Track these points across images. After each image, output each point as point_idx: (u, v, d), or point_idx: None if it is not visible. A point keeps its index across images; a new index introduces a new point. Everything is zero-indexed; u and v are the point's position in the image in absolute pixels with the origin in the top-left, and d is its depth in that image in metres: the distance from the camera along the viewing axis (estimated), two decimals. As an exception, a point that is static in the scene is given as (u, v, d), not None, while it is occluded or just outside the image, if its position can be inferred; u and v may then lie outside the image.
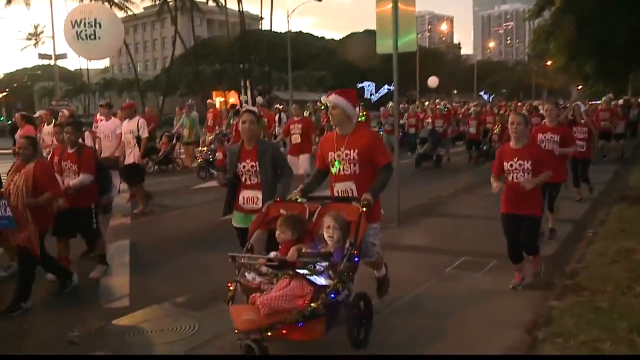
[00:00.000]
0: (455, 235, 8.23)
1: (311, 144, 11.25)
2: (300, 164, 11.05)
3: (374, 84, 65.34)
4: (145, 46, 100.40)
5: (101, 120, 11.43)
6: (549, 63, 44.20)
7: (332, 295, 4.06)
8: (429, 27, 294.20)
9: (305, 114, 22.14)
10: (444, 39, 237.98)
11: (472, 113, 19.61)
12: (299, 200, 4.90)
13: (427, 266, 6.64)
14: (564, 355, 3.88)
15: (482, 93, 77.98)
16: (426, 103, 26.85)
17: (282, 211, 4.78)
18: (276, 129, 21.63)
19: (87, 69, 66.66)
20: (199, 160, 15.41)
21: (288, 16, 43.28)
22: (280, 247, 4.57)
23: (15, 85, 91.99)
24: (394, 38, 8.61)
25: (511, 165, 5.61)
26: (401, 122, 20.44)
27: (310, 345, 4.37)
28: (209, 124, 18.13)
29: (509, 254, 5.80)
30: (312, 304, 3.96)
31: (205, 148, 15.64)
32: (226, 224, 9.67)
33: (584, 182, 10.33)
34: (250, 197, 5.33)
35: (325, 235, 4.45)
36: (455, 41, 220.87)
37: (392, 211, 9.05)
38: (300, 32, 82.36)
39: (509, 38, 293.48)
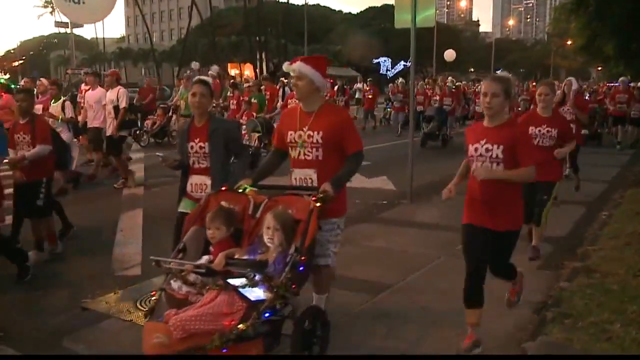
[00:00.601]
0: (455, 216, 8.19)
1: None
2: None
3: (390, 60, 64.75)
4: (161, 16, 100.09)
5: (87, 90, 11.20)
6: (569, 43, 43.54)
7: (267, 315, 3.33)
8: (448, 3, 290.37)
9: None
10: (462, 15, 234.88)
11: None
12: (248, 189, 4.08)
13: (439, 243, 6.64)
14: (571, 356, 3.86)
15: (499, 72, 77.18)
16: (438, 80, 26.27)
17: (223, 203, 4.02)
18: (279, 103, 21.73)
19: (103, 37, 66.54)
20: None
21: (305, -12, 42.80)
22: (212, 248, 3.86)
23: (31, 53, 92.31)
24: (412, 13, 8.50)
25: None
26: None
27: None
28: None
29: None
30: (239, 326, 3.21)
31: None
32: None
33: (573, 172, 9.60)
34: (198, 183, 4.59)
35: (265, 238, 3.68)
36: (474, 18, 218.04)
37: (405, 188, 9.06)
38: (318, 4, 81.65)
39: (528, 16, 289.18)
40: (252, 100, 13.17)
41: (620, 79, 16.99)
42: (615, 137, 16.37)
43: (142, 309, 4.77)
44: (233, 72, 60.73)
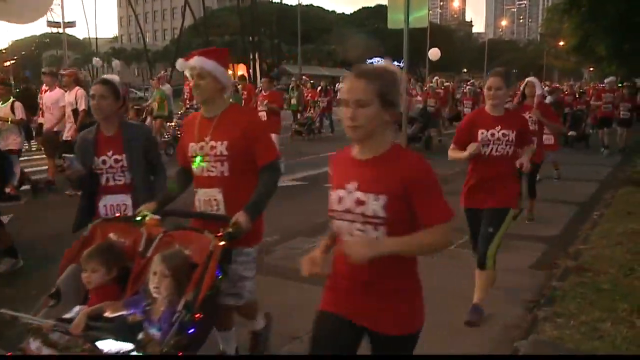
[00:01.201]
0: (459, 213, 8.21)
1: (280, 122, 10.59)
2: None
3: (383, 60, 64.85)
4: (154, 16, 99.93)
5: (46, 91, 10.40)
6: (561, 43, 43.75)
7: None
8: (441, 3, 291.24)
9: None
10: (455, 16, 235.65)
11: (468, 92, 18.12)
12: (147, 217, 3.24)
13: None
14: (563, 355, 3.89)
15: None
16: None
17: (111, 235, 3.27)
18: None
19: (96, 37, 66.39)
20: (166, 136, 14.40)
21: (299, -11, 42.85)
22: (90, 295, 3.08)
23: (23, 53, 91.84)
24: (405, 13, 8.53)
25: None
26: None
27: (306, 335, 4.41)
28: (185, 97, 16.88)
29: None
30: None
31: (173, 123, 14.76)
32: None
33: (530, 195, 7.66)
34: (116, 204, 3.75)
35: (151, 286, 2.82)
36: (467, 19, 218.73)
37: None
38: (311, 5, 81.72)
39: (521, 17, 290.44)
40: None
41: (608, 79, 16.32)
42: (601, 141, 15.04)
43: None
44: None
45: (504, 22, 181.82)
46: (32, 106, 15.22)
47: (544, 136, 9.67)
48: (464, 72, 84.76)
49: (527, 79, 7.70)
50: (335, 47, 69.20)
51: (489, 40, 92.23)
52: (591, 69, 53.11)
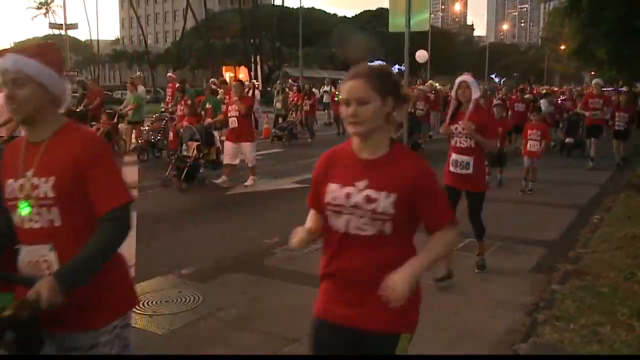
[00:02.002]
0: (460, 217, 8.20)
1: (252, 129, 10.46)
2: (246, 156, 10.41)
3: (384, 64, 64.92)
4: (156, 18, 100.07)
5: None
6: (562, 47, 43.78)
7: None
8: (443, 7, 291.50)
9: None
10: (457, 19, 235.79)
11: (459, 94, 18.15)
12: None
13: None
14: (562, 355, 3.90)
15: (493, 76, 77.42)
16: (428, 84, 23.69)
17: None
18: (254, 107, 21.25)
19: (98, 39, 66.46)
20: (140, 141, 13.94)
21: (300, -8, 42.92)
22: None
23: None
24: (406, 17, 8.55)
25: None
26: None
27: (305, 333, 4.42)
28: (167, 99, 16.32)
29: None
30: None
31: (147, 128, 14.24)
32: (233, 197, 9.78)
33: (475, 228, 5.82)
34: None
35: None
36: (469, 22, 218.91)
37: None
38: (313, 8, 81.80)
39: (523, 21, 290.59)
40: (207, 105, 12.27)
41: (594, 81, 14.13)
42: (588, 152, 13.44)
43: (136, 311, 4.78)
44: (227, 75, 60.74)
45: (505, 26, 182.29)
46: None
47: (530, 142, 9.88)
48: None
49: (458, 78, 5.65)
50: (337, 50, 69.28)
51: (490, 43, 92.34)
52: (592, 73, 53.17)
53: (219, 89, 15.28)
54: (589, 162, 12.80)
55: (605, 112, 12.89)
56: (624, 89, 23.51)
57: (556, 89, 34.62)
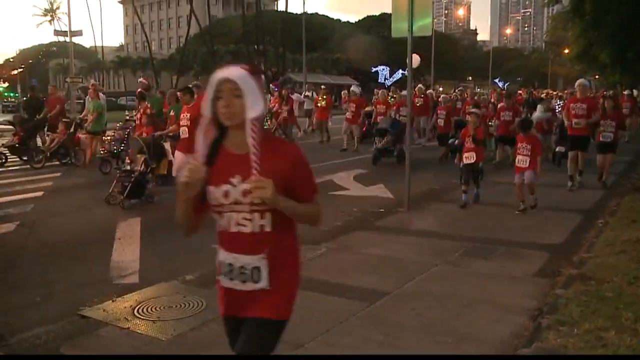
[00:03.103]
0: (463, 221, 8.24)
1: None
2: None
3: (388, 69, 64.95)
4: (160, 25, 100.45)
5: None
6: (566, 51, 43.76)
7: None
8: (446, 12, 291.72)
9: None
10: (460, 24, 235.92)
11: (442, 101, 15.98)
12: None
13: (435, 251, 6.66)
14: (560, 355, 3.89)
15: (497, 80, 77.42)
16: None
17: None
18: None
19: (102, 46, 66.74)
20: (102, 152, 13.06)
21: (304, -3, 43.04)
22: None
23: (30, 61, 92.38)
24: (409, 22, 8.56)
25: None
26: (368, 109, 18.61)
27: (310, 343, 4.43)
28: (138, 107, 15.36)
29: None
30: None
31: (109, 137, 13.47)
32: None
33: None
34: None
35: None
36: (472, 27, 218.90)
37: (402, 196, 9.09)
38: (316, 13, 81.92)
39: (526, 25, 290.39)
40: (171, 113, 11.09)
41: (578, 82, 11.30)
42: (571, 171, 10.66)
43: (140, 316, 4.79)
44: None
45: (508, 30, 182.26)
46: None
47: (518, 157, 8.65)
48: (469, 79, 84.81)
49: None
50: (340, 55, 69.33)
51: (493, 48, 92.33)
52: (596, 76, 53.07)
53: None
54: (568, 183, 10.48)
55: (592, 119, 10.44)
56: (610, 92, 23.14)
57: (555, 92, 34.23)
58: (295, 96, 22.50)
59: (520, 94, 24.32)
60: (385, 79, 64.75)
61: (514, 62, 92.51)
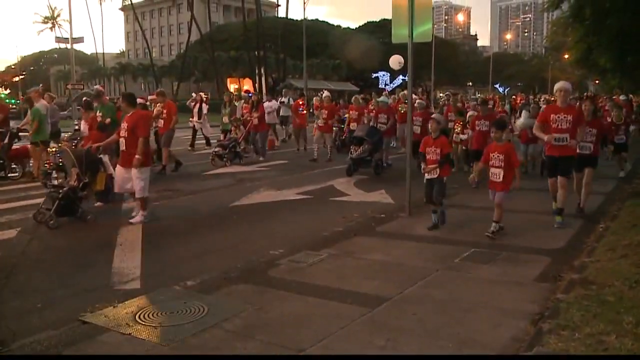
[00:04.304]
0: (465, 226, 8.24)
1: (148, 150, 8.81)
2: (133, 183, 8.60)
3: (388, 74, 65.12)
4: (161, 31, 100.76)
5: None
6: (566, 56, 43.83)
7: None
8: (446, 17, 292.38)
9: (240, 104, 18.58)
10: (460, 30, 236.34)
11: (418, 106, 14.00)
12: None
13: (436, 256, 6.66)
14: (560, 355, 3.90)
15: (497, 85, 77.56)
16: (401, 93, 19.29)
17: None
18: (193, 121, 19.24)
19: (103, 53, 66.95)
20: (46, 165, 11.65)
21: (304, 3, 43.20)
22: None
23: (32, 68, 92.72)
24: (409, 28, 8.58)
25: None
26: (344, 116, 17.66)
27: (311, 348, 4.43)
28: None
29: None
30: None
31: (53, 149, 12.09)
32: (238, 209, 9.81)
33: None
34: None
35: None
36: (472, 32, 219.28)
37: (403, 201, 9.09)
38: (316, 20, 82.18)
39: (526, 30, 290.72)
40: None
41: (558, 85, 8.35)
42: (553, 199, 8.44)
43: (142, 322, 4.79)
44: (232, 87, 60.98)
45: (508, 36, 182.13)
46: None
47: (492, 170, 7.54)
48: (469, 85, 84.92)
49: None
50: (340, 61, 69.47)
51: (494, 53, 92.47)
52: (597, 81, 53.13)
53: (147, 102, 14.66)
54: (557, 219, 8.10)
55: (578, 133, 8.13)
56: (587, 93, 22.96)
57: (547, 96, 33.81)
58: (268, 104, 20.85)
59: (514, 98, 24.08)
60: (385, 84, 64.89)
61: (514, 67, 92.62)
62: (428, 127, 8.35)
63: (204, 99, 19.41)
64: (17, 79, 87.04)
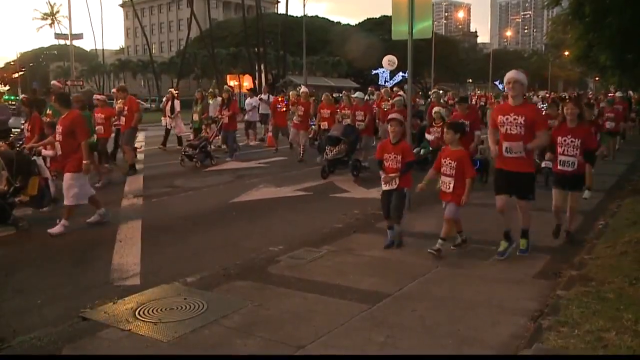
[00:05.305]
0: (464, 223, 8.21)
1: (79, 154, 7.90)
2: (64, 189, 7.95)
3: (388, 71, 65.03)
4: (160, 28, 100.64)
5: None
6: (566, 54, 43.81)
7: None
8: (446, 14, 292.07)
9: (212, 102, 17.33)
10: (460, 26, 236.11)
11: (396, 104, 13.46)
12: None
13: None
14: (559, 355, 3.90)
15: (497, 82, 77.44)
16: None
17: None
18: (165, 120, 18.13)
19: (102, 49, 66.84)
20: None
21: (304, 0, 43.12)
22: None
23: (31, 64, 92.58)
24: (409, 24, 8.58)
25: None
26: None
27: (311, 345, 4.43)
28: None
29: None
30: None
31: None
32: (237, 205, 9.81)
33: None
34: None
35: None
36: (472, 29, 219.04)
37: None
38: (316, 16, 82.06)
39: (526, 27, 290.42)
40: None
41: (510, 75, 6.34)
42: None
43: (141, 318, 4.80)
44: (232, 83, 60.93)
45: (508, 33, 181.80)
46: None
47: (442, 178, 6.61)
48: (469, 82, 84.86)
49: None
50: (340, 58, 69.40)
51: (493, 50, 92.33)
52: (597, 78, 53.10)
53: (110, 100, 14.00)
54: (504, 248, 6.50)
55: (536, 142, 6.22)
56: (575, 93, 22.30)
57: (547, 94, 33.08)
58: (249, 101, 20.64)
59: (506, 94, 23.06)
60: (385, 81, 64.76)
61: (514, 64, 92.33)
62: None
63: (175, 95, 18.60)
64: (16, 75, 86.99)
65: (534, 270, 6.00)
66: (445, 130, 6.96)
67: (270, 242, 7.21)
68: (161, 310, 5.00)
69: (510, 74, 6.32)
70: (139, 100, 18.50)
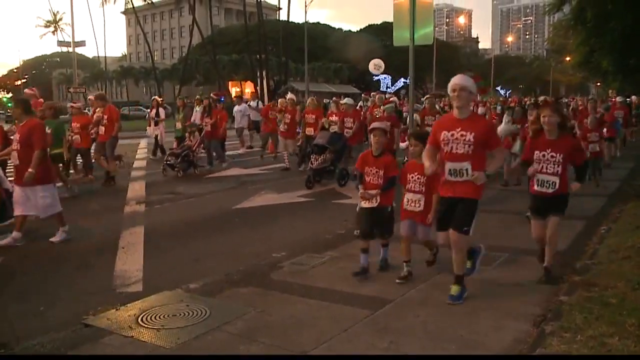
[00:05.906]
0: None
1: (45, 164, 7.59)
2: (39, 202, 7.59)
3: (390, 77, 65.10)
4: (162, 35, 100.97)
5: None
6: (567, 59, 43.83)
7: None
8: (447, 20, 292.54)
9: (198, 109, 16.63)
10: (462, 32, 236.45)
11: (385, 110, 12.40)
12: None
13: (439, 258, 6.64)
14: (559, 355, 3.89)
15: (498, 88, 77.51)
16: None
17: None
18: (150, 129, 17.99)
19: (105, 56, 67.08)
20: None
21: (306, 7, 43.24)
22: None
23: (34, 72, 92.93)
24: (410, 30, 8.60)
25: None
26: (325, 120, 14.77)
27: (314, 350, 4.43)
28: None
29: None
30: None
31: None
32: (239, 212, 9.82)
33: None
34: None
35: None
36: (474, 35, 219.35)
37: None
38: (318, 23, 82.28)
39: (527, 33, 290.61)
40: (47, 129, 9.10)
41: (452, 81, 5.20)
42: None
43: (144, 325, 4.80)
44: (234, 90, 61.04)
45: (510, 38, 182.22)
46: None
47: (407, 195, 5.86)
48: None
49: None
50: (342, 65, 69.53)
51: (495, 56, 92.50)
52: (598, 84, 53.11)
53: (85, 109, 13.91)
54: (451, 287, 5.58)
55: (492, 162, 5.37)
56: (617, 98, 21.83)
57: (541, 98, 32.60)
58: (238, 108, 20.16)
59: (503, 100, 22.20)
60: (387, 87, 64.83)
61: (515, 70, 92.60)
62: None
63: (160, 102, 18.35)
64: (19, 82, 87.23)
65: (537, 275, 5.97)
66: (410, 141, 6.06)
67: (273, 248, 7.21)
68: (164, 316, 5.00)
69: (455, 80, 5.18)
70: (140, 107, 18.27)
